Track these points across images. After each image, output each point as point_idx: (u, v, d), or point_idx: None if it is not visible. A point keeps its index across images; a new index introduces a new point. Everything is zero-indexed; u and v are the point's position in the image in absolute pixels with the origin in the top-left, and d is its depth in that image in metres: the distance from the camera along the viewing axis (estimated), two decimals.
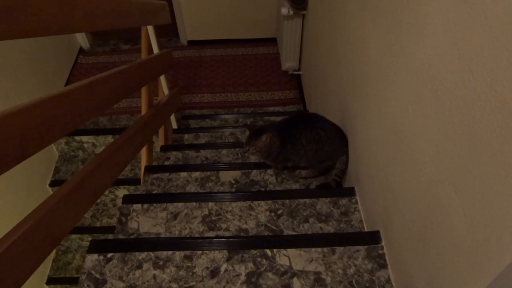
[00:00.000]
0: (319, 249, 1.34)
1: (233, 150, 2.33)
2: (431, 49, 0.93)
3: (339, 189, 1.81)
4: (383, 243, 1.34)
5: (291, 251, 1.34)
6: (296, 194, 1.69)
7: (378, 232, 1.37)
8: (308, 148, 1.75)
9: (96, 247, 1.37)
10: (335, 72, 2.00)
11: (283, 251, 1.35)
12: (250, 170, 1.99)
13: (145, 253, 1.35)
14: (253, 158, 2.28)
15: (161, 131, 2.50)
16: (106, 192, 2.99)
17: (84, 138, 3.11)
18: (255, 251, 1.35)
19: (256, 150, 1.69)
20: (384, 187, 1.28)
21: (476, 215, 0.77)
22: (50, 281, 2.83)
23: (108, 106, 1.52)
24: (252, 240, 1.40)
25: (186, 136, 2.69)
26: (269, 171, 1.99)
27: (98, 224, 2.99)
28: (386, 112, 1.23)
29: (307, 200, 1.66)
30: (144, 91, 2.18)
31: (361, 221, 1.58)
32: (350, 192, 1.68)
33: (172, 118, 2.81)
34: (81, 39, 3.76)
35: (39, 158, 2.87)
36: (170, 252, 1.35)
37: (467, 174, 0.79)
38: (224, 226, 1.59)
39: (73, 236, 2.96)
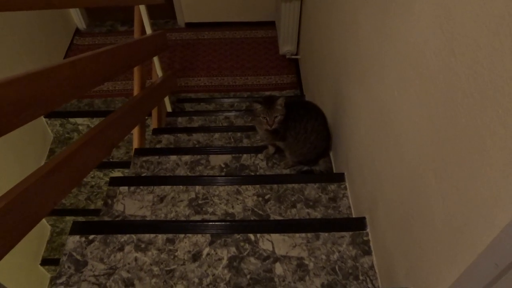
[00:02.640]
0: (303, 235, 1.33)
1: (226, 134, 2.30)
2: (416, 29, 0.89)
3: (328, 174, 1.79)
4: (368, 230, 1.32)
5: (275, 236, 1.33)
6: (284, 179, 1.67)
7: (364, 218, 1.34)
8: (305, 133, 1.73)
9: (78, 229, 1.36)
10: (330, 55, 1.95)
11: (266, 236, 1.33)
12: (240, 154, 1.97)
13: (127, 235, 1.34)
14: (246, 142, 2.25)
15: (154, 113, 2.47)
16: (101, 175, 2.99)
17: (79, 120, 3.09)
18: (239, 236, 1.33)
19: (281, 115, 1.63)
20: (371, 172, 1.26)
21: (454, 202, 0.74)
22: (44, 262, 2.85)
23: (94, 85, 1.49)
24: (235, 225, 1.39)
25: (179, 119, 2.66)
26: (259, 155, 1.96)
27: (92, 207, 2.99)
28: (374, 95, 1.20)
29: (296, 185, 1.64)
30: (136, 71, 2.14)
31: (349, 207, 1.55)
32: (339, 178, 1.66)
33: (167, 101, 2.78)
34: (77, 20, 3.71)
35: (34, 140, 2.86)
36: (152, 235, 1.34)
37: (446, 160, 0.76)
38: (210, 210, 1.57)
39: (68, 218, 2.97)
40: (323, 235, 1.32)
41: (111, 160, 3.00)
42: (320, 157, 1.88)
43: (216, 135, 2.30)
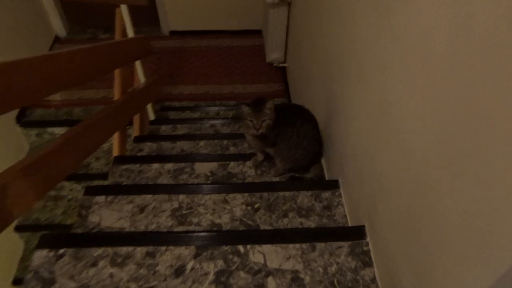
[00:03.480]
0: (297, 245, 1.21)
1: (212, 142, 2.19)
2: (420, 17, 0.80)
3: (321, 181, 1.68)
4: (368, 239, 1.21)
5: (267, 248, 1.21)
6: (275, 187, 1.56)
7: (362, 226, 1.24)
8: (297, 138, 1.63)
9: (47, 242, 1.21)
10: (321, 57, 1.87)
11: (257, 247, 1.21)
12: (227, 162, 1.85)
13: (102, 248, 1.20)
14: (232, 150, 2.14)
15: (136, 121, 2.35)
16: (79, 188, 2.83)
17: (57, 130, 2.93)
18: (227, 247, 1.21)
19: (269, 119, 1.52)
20: (371, 175, 1.16)
21: (471, 204, 0.64)
22: (16, 281, 2.65)
23: (72, 83, 1.37)
24: (223, 235, 1.26)
25: (163, 127, 2.54)
26: (248, 163, 1.85)
27: (69, 222, 2.81)
28: (374, 91, 1.10)
29: (287, 193, 1.53)
30: (117, 75, 2.02)
31: (345, 215, 1.45)
32: (333, 185, 1.55)
33: (150, 109, 2.65)
34: (58, 27, 3.57)
35: (7, 151, 2.69)
36: (130, 248, 1.21)
37: (463, 155, 0.67)
38: (195, 220, 1.45)
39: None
40: (320, 245, 1.21)
41: (89, 171, 2.84)
42: (312, 163, 1.78)
43: (202, 142, 2.18)
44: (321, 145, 1.79)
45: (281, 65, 3.22)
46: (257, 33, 3.68)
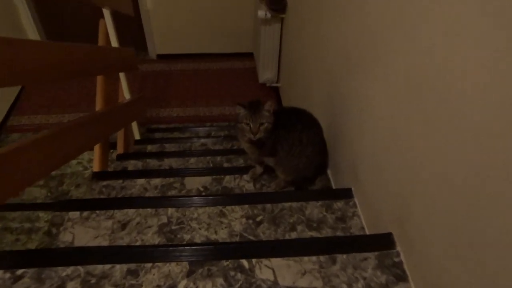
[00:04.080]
0: (314, 258, 0.99)
1: (203, 158, 1.98)
2: None
3: (332, 190, 1.49)
4: (398, 248, 1.00)
5: (276, 261, 0.99)
6: (279, 197, 1.35)
7: (389, 234, 1.03)
8: (300, 145, 1.45)
9: (3, 262, 0.97)
10: (321, 65, 1.73)
11: (265, 261, 0.99)
12: (222, 176, 1.64)
13: (72, 268, 0.96)
14: (227, 167, 1.94)
15: (120, 138, 2.14)
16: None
17: None
18: (227, 263, 0.98)
19: (268, 123, 1.33)
20: (399, 171, 0.97)
21: None
22: None
23: (40, 78, 1.18)
24: (222, 248, 1.04)
25: (149, 147, 2.33)
26: (245, 176, 1.65)
27: None
28: (397, 70, 0.94)
29: (294, 204, 1.32)
30: (100, 83, 1.83)
31: (362, 227, 1.24)
32: (346, 194, 1.35)
33: (135, 128, 2.46)
34: None
35: None
36: (107, 266, 0.97)
37: None
38: (187, 237, 1.22)
39: None
40: (341, 257, 0.99)
41: (67, 198, 2.58)
42: (317, 174, 1.58)
43: (192, 160, 1.98)
44: (327, 153, 1.61)
45: (274, 85, 3.08)
46: (248, 56, 3.57)
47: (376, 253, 1.00)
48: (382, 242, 1.02)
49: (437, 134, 0.78)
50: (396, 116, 0.97)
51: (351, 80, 1.32)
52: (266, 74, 3.03)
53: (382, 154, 1.08)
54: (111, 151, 2.20)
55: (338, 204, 1.32)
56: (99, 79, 1.83)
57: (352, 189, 1.36)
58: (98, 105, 1.82)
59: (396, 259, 0.98)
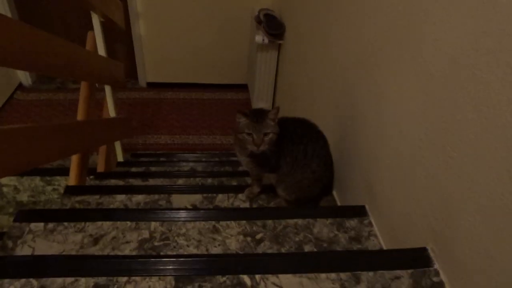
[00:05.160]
0: (333, 275, 0.79)
1: (193, 180, 1.79)
2: None
3: (342, 207, 1.30)
4: (436, 266, 0.81)
5: (286, 278, 0.78)
6: (283, 213, 1.17)
7: (425, 249, 0.84)
8: (304, 159, 1.28)
9: None
10: (327, 80, 1.61)
11: (272, 278, 0.78)
12: (214, 194, 1.45)
13: (23, 280, 0.74)
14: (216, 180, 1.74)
15: (101, 156, 1.94)
16: None
17: (4, 180, 2.45)
18: (224, 278, 0.77)
19: (273, 133, 1.17)
20: (440, 187, 0.80)
21: None
22: None
23: (7, 60, 1.01)
24: (218, 261, 0.83)
25: (133, 169, 2.13)
26: (240, 195, 1.45)
27: None
28: (429, 67, 0.80)
29: (299, 221, 1.13)
30: (83, 89, 1.67)
31: (381, 249, 1.05)
32: (359, 212, 1.17)
33: (119, 151, 2.26)
34: (22, 73, 3.26)
35: None
36: (69, 280, 0.75)
37: None
38: (172, 255, 1.01)
39: None
40: (366, 275, 0.79)
41: None
42: (322, 193, 1.41)
43: (180, 181, 1.78)
44: (333, 170, 1.44)
45: None
46: (242, 87, 3.47)
47: (410, 271, 0.81)
48: (416, 258, 0.83)
49: (488, 135, 0.63)
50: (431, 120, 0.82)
51: (365, 84, 1.19)
52: (260, 104, 2.91)
53: (411, 165, 0.91)
54: (91, 177, 1.99)
55: (351, 223, 1.13)
56: (83, 86, 1.66)
57: (366, 206, 1.18)
58: (79, 115, 1.64)
59: (435, 279, 0.79)
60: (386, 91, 1.04)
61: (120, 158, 2.24)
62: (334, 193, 1.47)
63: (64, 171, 1.96)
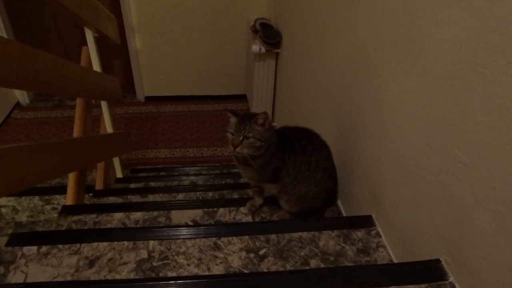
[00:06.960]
0: None
1: (193, 194, 1.75)
2: None
3: (347, 218, 1.25)
4: (451, 279, 0.76)
5: None
6: (286, 226, 1.12)
7: (438, 261, 0.80)
8: (308, 170, 1.24)
9: None
10: (327, 87, 1.58)
11: None
12: (215, 208, 1.40)
13: None
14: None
15: (99, 172, 1.90)
16: None
17: (2, 201, 2.42)
18: None
19: (255, 139, 1.11)
20: (451, 194, 0.76)
21: None
22: None
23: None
24: (220, 282, 0.79)
25: (132, 185, 2.09)
26: (242, 209, 1.41)
27: None
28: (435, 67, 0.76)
29: (304, 234, 1.08)
30: (78, 106, 1.63)
31: (391, 261, 1.00)
32: (365, 222, 1.13)
33: (117, 167, 2.22)
34: (19, 92, 3.24)
35: None
36: None
37: None
38: (172, 275, 0.96)
39: None
40: None
41: None
42: (327, 205, 1.36)
43: (180, 195, 1.74)
44: (337, 181, 1.39)
45: None
46: (241, 97, 3.45)
47: (423, 285, 0.76)
48: (429, 271, 0.78)
49: (502, 137, 0.59)
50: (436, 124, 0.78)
51: (368, 86, 1.15)
52: None
53: (417, 171, 0.87)
54: (90, 194, 1.95)
55: (358, 234, 1.09)
56: (78, 102, 1.63)
57: (373, 216, 1.13)
58: (75, 132, 1.61)
59: None
60: (388, 95, 1.00)
61: (119, 174, 2.20)
62: (339, 203, 1.43)
63: (63, 189, 1.92)
